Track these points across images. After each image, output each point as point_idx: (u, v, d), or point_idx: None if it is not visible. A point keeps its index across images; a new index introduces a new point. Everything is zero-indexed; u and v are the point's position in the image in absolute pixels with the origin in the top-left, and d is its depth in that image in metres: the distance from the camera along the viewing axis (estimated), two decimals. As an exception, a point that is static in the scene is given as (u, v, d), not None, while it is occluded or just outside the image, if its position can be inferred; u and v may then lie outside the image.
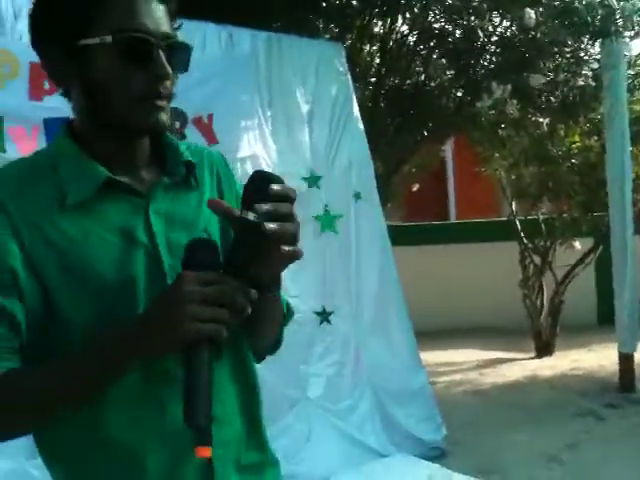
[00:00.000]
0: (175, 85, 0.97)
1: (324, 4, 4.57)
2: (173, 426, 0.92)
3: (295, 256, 0.88)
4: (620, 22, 4.46)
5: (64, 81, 0.99)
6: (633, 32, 4.75)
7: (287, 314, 1.15)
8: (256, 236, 0.85)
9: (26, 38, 2.63)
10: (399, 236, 6.56)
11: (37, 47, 0.97)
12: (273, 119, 3.60)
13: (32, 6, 0.96)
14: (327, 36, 4.81)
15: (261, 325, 1.06)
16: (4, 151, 2.78)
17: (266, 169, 2.79)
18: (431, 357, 6.08)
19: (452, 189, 10.20)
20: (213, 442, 0.86)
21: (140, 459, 0.93)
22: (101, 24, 0.91)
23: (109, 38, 0.91)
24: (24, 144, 2.82)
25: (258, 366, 1.12)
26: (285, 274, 0.98)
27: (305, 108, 3.74)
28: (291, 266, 0.93)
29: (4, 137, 2.78)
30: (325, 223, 3.83)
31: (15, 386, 0.87)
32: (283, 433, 3.32)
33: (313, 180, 3.73)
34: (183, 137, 3.24)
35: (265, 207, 0.84)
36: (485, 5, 4.45)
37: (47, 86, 2.86)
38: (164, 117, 0.95)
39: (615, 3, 4.13)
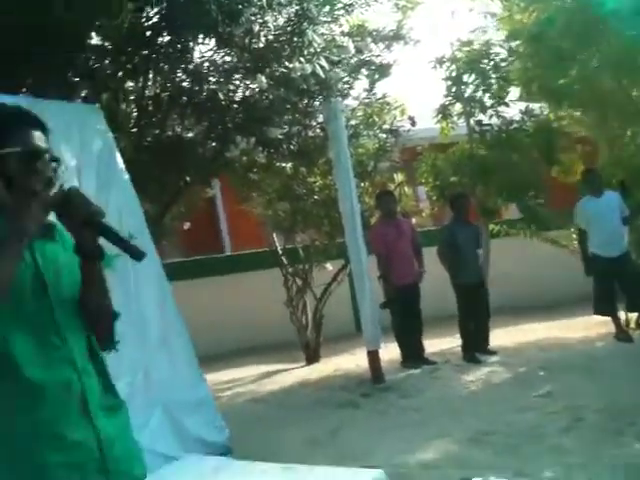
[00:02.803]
0: None
1: (78, 67, 4.82)
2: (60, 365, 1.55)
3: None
4: (330, 87, 5.56)
5: None
6: (340, 94, 5.95)
7: (115, 313, 1.73)
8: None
9: None
10: (179, 271, 7.16)
11: None
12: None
13: None
14: (84, 93, 5.14)
15: (93, 290, 1.64)
16: None
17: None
18: (217, 376, 6.74)
19: (224, 225, 11.05)
20: (86, 389, 1.55)
21: (47, 390, 1.52)
22: (10, 143, 1.58)
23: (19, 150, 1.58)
24: None
25: None
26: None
27: (73, 163, 4.06)
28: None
29: None
30: (105, 263, 4.22)
31: None
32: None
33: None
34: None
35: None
36: (223, 72, 5.24)
37: None
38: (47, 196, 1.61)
39: (322, 73, 5.14)
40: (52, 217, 1.66)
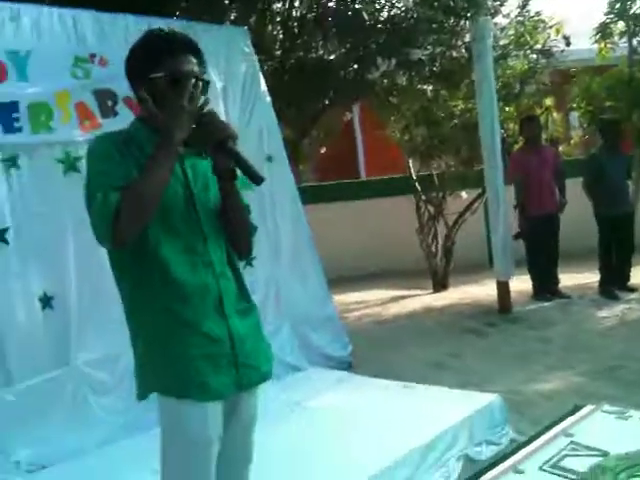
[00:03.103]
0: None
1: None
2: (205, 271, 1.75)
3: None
4: (479, 4, 5.30)
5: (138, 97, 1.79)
6: (491, 11, 5.64)
7: (253, 227, 1.90)
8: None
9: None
10: (314, 195, 7.37)
11: (129, 79, 1.80)
12: (192, 95, 4.22)
13: (127, 56, 1.78)
14: (233, 16, 5.33)
15: (229, 207, 1.80)
16: None
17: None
18: (344, 298, 6.96)
19: (361, 150, 11.07)
20: (222, 291, 1.76)
21: (191, 289, 1.72)
22: (161, 67, 1.72)
23: (166, 75, 1.72)
24: None
25: None
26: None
27: (219, 85, 4.28)
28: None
29: None
30: (243, 184, 4.50)
31: (132, 192, 1.60)
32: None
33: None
34: (115, 114, 3.80)
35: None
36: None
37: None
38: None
39: None
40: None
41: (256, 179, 1.72)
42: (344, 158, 10.59)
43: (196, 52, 1.78)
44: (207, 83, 1.76)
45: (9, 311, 3.43)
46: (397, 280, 8.02)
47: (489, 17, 5.82)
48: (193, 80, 1.72)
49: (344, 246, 7.97)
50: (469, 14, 5.47)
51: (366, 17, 5.20)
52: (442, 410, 3.31)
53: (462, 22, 5.74)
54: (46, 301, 3.59)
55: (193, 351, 1.70)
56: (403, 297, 7.32)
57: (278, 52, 5.83)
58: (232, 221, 1.83)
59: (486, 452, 3.17)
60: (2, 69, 3.38)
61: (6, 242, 3.40)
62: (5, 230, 3.40)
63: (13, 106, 3.38)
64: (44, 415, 3.50)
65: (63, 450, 3.39)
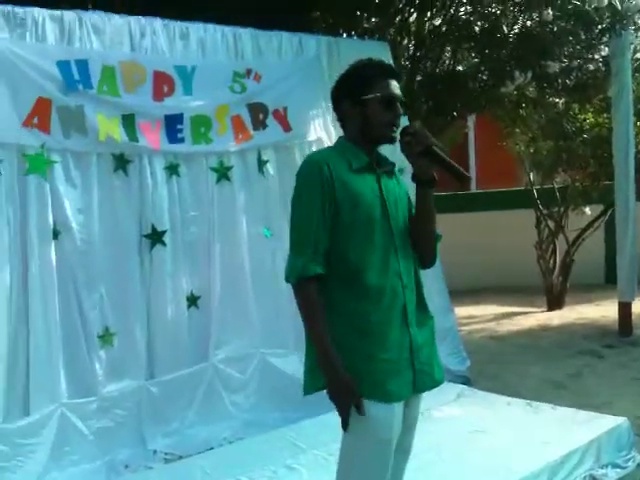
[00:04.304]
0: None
1: (367, 3, 5.15)
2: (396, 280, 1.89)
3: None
4: (624, 20, 5.13)
5: (344, 117, 1.98)
6: (635, 26, 5.44)
7: (438, 236, 2.01)
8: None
9: (150, 52, 3.44)
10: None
11: (336, 100, 1.99)
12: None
13: (339, 80, 1.99)
14: (367, 25, 5.42)
15: (426, 216, 1.93)
16: (137, 141, 3.57)
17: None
18: (456, 311, 6.85)
19: (473, 161, 10.92)
20: (407, 301, 1.87)
21: (381, 297, 1.86)
22: (373, 90, 1.90)
23: (378, 95, 1.89)
24: (150, 135, 3.62)
25: None
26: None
27: None
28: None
29: (136, 130, 3.58)
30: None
31: (308, 300, 1.82)
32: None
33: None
34: (265, 126, 4.02)
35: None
36: (503, 3, 5.11)
37: (166, 89, 3.67)
38: (395, 135, 1.91)
39: (619, 5, 4.78)
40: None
41: (463, 178, 1.85)
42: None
43: (398, 78, 1.99)
44: (404, 104, 1.95)
45: (161, 308, 3.73)
46: (510, 295, 7.92)
47: (631, 31, 5.62)
48: (398, 101, 1.93)
49: (455, 258, 7.83)
50: (613, 28, 5.30)
51: (505, 30, 5.13)
52: (569, 430, 3.30)
53: (604, 37, 5.57)
54: (193, 300, 3.86)
55: (381, 355, 1.84)
56: (516, 313, 7.21)
57: (407, 63, 5.87)
58: (425, 228, 1.97)
59: (611, 475, 3.15)
60: (171, 83, 3.65)
61: (163, 244, 3.69)
62: (164, 232, 3.68)
63: (178, 118, 3.64)
64: (181, 408, 3.76)
65: (196, 442, 3.65)
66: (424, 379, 1.92)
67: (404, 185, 2.04)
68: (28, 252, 3.26)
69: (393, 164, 2.02)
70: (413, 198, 1.97)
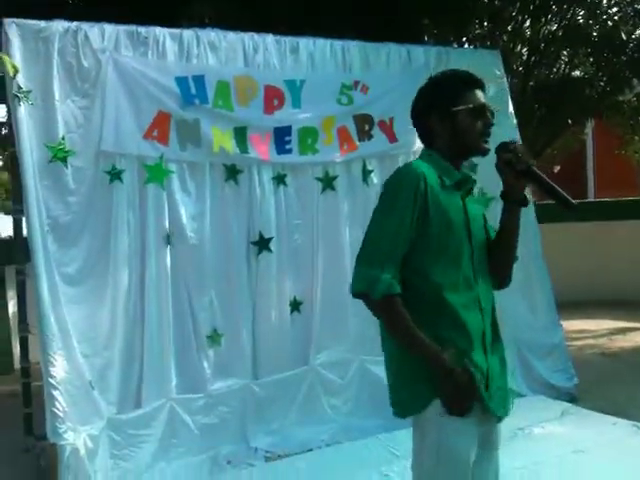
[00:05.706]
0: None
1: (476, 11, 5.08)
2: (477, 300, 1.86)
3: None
4: None
5: (430, 132, 1.92)
6: None
7: (515, 257, 1.96)
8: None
9: (262, 67, 3.59)
10: (543, 214, 7.07)
11: (420, 115, 1.94)
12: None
13: (421, 93, 1.96)
14: (478, 31, 5.36)
15: (513, 235, 1.90)
16: (247, 152, 3.74)
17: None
18: (566, 325, 6.56)
19: (591, 169, 10.43)
20: (486, 326, 1.83)
21: (463, 316, 1.82)
22: (461, 101, 1.87)
23: (470, 106, 1.86)
24: (260, 147, 3.77)
25: None
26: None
27: None
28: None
29: (247, 142, 3.74)
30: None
31: (400, 315, 1.77)
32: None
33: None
34: (370, 137, 4.07)
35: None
36: (629, 9, 4.88)
37: (276, 103, 3.81)
38: (488, 147, 1.88)
39: None
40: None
41: (568, 204, 1.75)
42: (571, 177, 10.04)
43: (483, 87, 1.95)
44: (493, 114, 1.89)
45: (266, 312, 3.88)
46: (624, 310, 7.47)
47: None
48: (487, 111, 1.88)
49: (567, 270, 7.52)
50: None
51: (624, 36, 4.91)
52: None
53: None
54: (295, 305, 3.99)
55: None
56: (630, 329, 6.82)
57: (520, 69, 5.74)
58: (509, 249, 1.93)
59: None
60: (281, 97, 3.79)
61: (270, 250, 3.83)
62: (270, 239, 3.83)
63: (287, 130, 3.78)
64: (282, 408, 3.89)
65: (295, 442, 3.76)
66: (495, 407, 1.86)
67: (482, 205, 2.00)
68: (146, 256, 3.50)
69: (474, 181, 1.95)
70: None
